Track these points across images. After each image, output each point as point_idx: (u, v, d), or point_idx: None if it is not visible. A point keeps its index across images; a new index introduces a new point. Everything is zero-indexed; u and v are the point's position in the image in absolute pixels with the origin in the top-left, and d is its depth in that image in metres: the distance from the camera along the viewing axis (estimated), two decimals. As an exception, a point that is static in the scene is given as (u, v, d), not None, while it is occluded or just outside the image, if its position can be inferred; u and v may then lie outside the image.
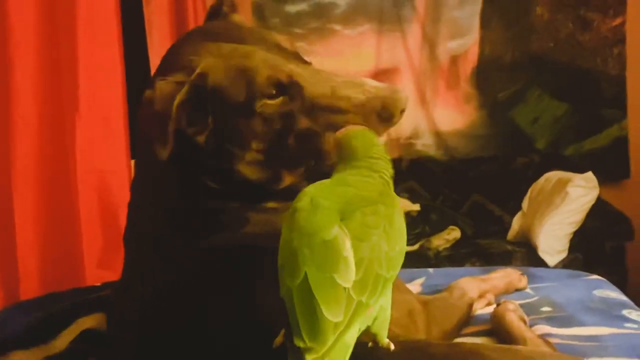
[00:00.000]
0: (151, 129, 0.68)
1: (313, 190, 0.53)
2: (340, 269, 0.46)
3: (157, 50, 2.12)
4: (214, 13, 0.86)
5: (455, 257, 2.41)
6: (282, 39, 0.78)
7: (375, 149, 0.58)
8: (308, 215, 0.50)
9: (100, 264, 1.78)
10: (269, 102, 0.71)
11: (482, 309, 1.06)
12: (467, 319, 1.00)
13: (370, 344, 0.51)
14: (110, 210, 1.84)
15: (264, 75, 0.70)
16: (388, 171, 0.58)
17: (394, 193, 0.57)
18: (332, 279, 0.45)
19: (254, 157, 0.74)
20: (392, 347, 0.51)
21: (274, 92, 0.71)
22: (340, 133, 0.60)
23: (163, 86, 0.69)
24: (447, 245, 2.57)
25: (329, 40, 3.18)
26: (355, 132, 0.60)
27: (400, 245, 0.52)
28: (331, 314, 0.44)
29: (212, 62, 0.71)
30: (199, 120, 0.71)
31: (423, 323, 0.85)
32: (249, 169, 0.74)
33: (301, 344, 0.43)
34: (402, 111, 0.73)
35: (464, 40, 3.09)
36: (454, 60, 3.11)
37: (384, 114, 0.73)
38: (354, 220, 0.50)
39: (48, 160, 1.61)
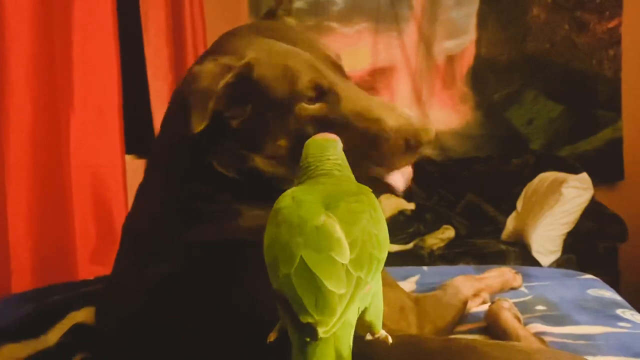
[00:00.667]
0: (193, 101, 0.69)
1: (292, 192, 0.54)
2: (336, 247, 0.47)
3: (153, 43, 2.11)
4: (269, 14, 0.90)
5: (449, 256, 2.41)
6: (329, 49, 0.80)
7: (330, 151, 0.58)
8: (293, 210, 0.50)
9: (93, 259, 1.77)
10: (307, 106, 0.73)
11: (477, 308, 1.06)
12: (461, 317, 1.00)
13: (367, 337, 0.50)
14: (104, 205, 1.83)
15: (306, 78, 0.72)
16: (343, 167, 0.59)
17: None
18: (330, 256, 0.46)
19: (276, 151, 0.75)
20: (390, 339, 0.51)
21: (313, 96, 0.73)
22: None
23: (211, 65, 0.71)
24: (441, 245, 2.57)
25: (326, 38, 3.15)
26: (313, 138, 0.61)
27: (385, 233, 0.52)
28: (334, 286, 0.44)
29: (260, 54, 0.74)
30: (238, 106, 0.73)
31: (415, 319, 0.85)
32: (264, 162, 0.75)
33: (310, 319, 0.43)
34: (429, 142, 0.76)
35: (461, 40, 3.10)
36: (450, 60, 3.11)
37: (412, 143, 0.74)
38: (340, 208, 0.50)
39: (41, 154, 1.60)
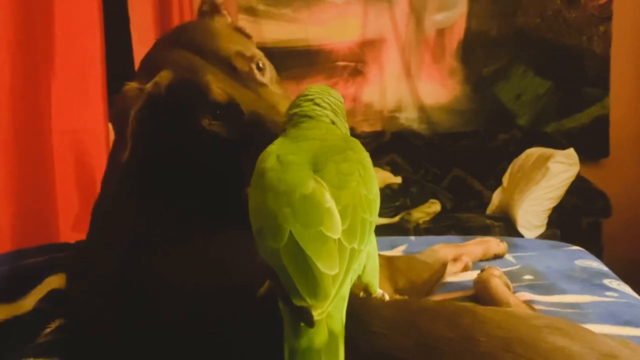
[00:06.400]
0: (115, 130, 0.73)
1: (276, 149, 0.51)
2: (326, 221, 0.44)
3: (137, 7, 2.05)
4: (199, 12, 0.88)
5: (435, 230, 2.41)
6: (238, 58, 0.77)
7: (329, 93, 0.57)
8: (279, 174, 0.48)
9: (76, 226, 1.73)
10: (214, 122, 0.73)
11: (463, 274, 1.06)
12: (440, 277, 1.00)
13: (362, 294, 0.49)
14: (87, 171, 1.80)
15: (209, 94, 0.72)
16: (309, 104, 0.56)
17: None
18: (320, 232, 0.43)
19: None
20: (387, 297, 0.49)
21: (217, 112, 0.73)
22: None
23: (127, 90, 0.73)
24: (427, 219, 2.58)
25: (315, 8, 3.12)
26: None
27: (375, 188, 0.50)
28: (327, 267, 0.42)
29: (167, 72, 0.74)
30: (157, 126, 0.74)
31: (386, 273, 0.85)
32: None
33: (303, 303, 0.41)
34: None
35: (451, 13, 3.06)
36: (440, 33, 3.08)
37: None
38: (328, 170, 0.48)
39: (21, 119, 1.55)
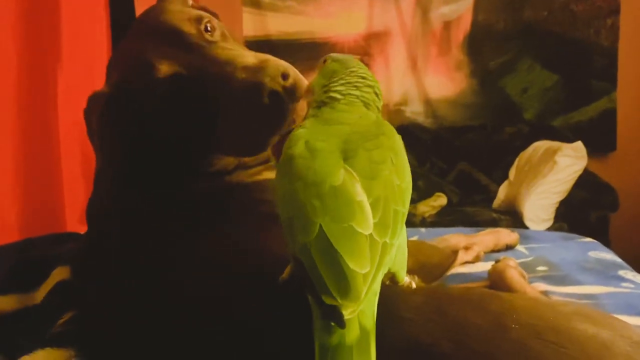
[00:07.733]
0: (91, 143, 0.74)
1: (305, 133, 0.49)
2: (357, 215, 0.42)
3: (143, -1, 2.04)
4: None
5: (441, 223, 2.40)
6: (184, 22, 0.73)
7: (354, 65, 0.56)
8: (308, 162, 0.46)
9: (83, 219, 1.73)
10: (167, 99, 0.70)
11: (476, 266, 1.06)
12: (451, 263, 0.99)
13: (388, 282, 0.48)
14: (93, 164, 1.79)
15: (155, 74, 0.68)
16: (370, 92, 0.55)
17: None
18: (351, 228, 0.42)
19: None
20: (414, 285, 0.48)
21: (167, 87, 0.69)
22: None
23: (89, 100, 0.74)
24: (433, 212, 2.57)
25: (321, 1, 3.11)
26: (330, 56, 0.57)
27: (408, 176, 0.49)
28: (358, 266, 0.40)
29: (117, 71, 0.73)
30: (126, 122, 0.72)
31: None
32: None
33: (334, 302, 0.39)
34: (294, 88, 0.68)
35: (458, 6, 3.04)
36: (447, 26, 3.06)
37: (268, 85, 0.67)
38: (359, 158, 0.46)
39: (28, 111, 1.55)
